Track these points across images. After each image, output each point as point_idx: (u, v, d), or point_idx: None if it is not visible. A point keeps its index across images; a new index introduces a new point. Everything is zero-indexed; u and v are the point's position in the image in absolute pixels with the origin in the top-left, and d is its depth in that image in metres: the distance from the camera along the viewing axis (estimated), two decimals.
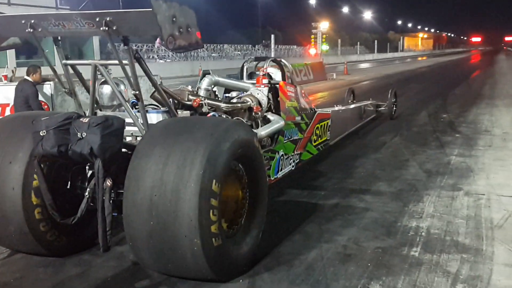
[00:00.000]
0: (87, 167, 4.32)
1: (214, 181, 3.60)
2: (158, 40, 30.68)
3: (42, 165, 4.02)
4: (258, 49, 53.58)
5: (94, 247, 4.63)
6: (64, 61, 4.24)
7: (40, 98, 7.94)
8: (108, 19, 3.58)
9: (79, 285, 4.01)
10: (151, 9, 3.38)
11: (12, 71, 10.19)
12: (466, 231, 4.93)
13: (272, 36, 40.53)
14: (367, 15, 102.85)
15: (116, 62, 3.96)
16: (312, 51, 34.20)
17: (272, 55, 27.20)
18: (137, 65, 4.02)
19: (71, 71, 4.36)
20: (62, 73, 4.35)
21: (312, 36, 33.83)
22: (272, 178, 5.95)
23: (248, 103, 5.69)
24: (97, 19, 3.61)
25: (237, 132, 3.96)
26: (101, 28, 3.60)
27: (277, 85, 6.45)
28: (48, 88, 8.31)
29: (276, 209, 5.67)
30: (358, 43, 73.90)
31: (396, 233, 4.92)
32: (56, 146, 3.80)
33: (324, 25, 33.61)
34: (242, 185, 4.31)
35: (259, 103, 5.89)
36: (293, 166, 6.62)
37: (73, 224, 4.25)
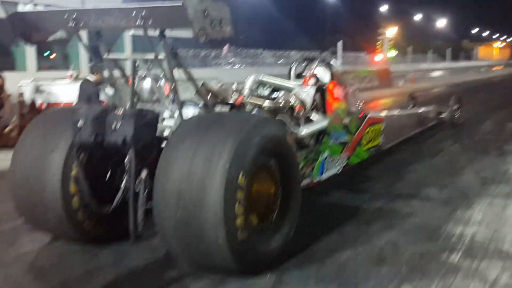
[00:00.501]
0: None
1: (241, 174, 3.61)
2: (225, 47, 31.16)
3: (81, 155, 4.18)
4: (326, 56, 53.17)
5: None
6: (105, 56, 4.38)
7: (102, 97, 8.26)
8: (143, 13, 3.68)
9: (110, 273, 4.11)
10: (181, 3, 3.44)
11: (76, 72, 10.65)
12: None
13: (339, 42, 40.06)
14: (441, 23, 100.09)
15: (154, 57, 4.06)
16: (378, 57, 33.57)
17: (340, 62, 26.92)
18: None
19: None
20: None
21: (379, 42, 33.24)
22: (315, 180, 5.88)
23: (291, 102, 5.65)
24: (133, 14, 3.71)
25: (268, 127, 3.96)
26: (137, 23, 3.70)
27: (324, 87, 6.39)
28: (109, 87, 8.63)
29: (316, 210, 5.61)
30: (431, 50, 71.84)
31: (438, 239, 4.74)
32: (93, 136, 3.94)
33: (391, 31, 32.93)
34: (274, 181, 4.29)
35: (302, 103, 5.84)
36: (339, 170, 6.49)
37: (111, 215, 4.39)
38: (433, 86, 27.40)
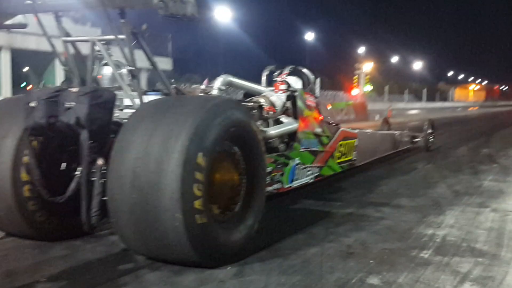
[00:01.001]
0: None
1: (200, 154, 3.42)
2: (205, 81, 31.22)
3: (34, 141, 3.96)
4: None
5: (88, 234, 4.49)
6: (64, 38, 4.22)
7: None
8: None
9: (61, 265, 3.84)
10: None
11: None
12: (486, 240, 4.53)
13: (318, 79, 40.60)
14: (417, 65, 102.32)
15: (114, 37, 3.90)
16: (354, 91, 33.95)
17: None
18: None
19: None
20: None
21: (355, 77, 33.66)
22: (286, 186, 5.71)
23: (260, 102, 5.52)
24: None
25: (231, 109, 3.79)
26: None
27: (295, 93, 6.29)
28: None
29: (284, 213, 5.44)
30: (407, 90, 73.10)
31: (408, 238, 4.56)
32: (45, 116, 3.73)
33: (367, 66, 33.39)
34: (238, 171, 4.10)
35: (273, 105, 5.72)
36: (311, 179, 6.35)
37: (65, 207, 4.14)
38: (409, 120, 27.65)
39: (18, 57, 23.45)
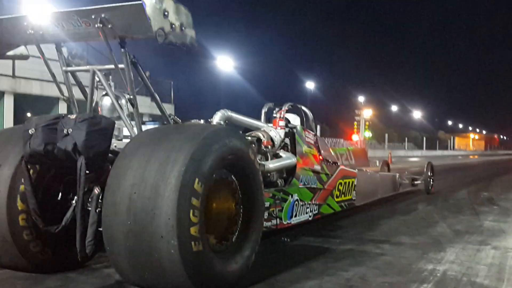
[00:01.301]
0: None
1: (197, 180, 3.40)
2: None
3: (31, 169, 3.95)
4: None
5: (84, 267, 4.43)
6: (64, 68, 4.27)
7: None
8: (103, 15, 3.62)
9: None
10: (140, 2, 3.39)
11: None
12: (486, 275, 4.45)
13: (318, 127, 40.92)
14: (416, 114, 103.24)
15: (114, 67, 3.96)
16: (355, 137, 34.17)
17: None
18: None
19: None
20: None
21: (355, 123, 33.95)
22: (285, 222, 5.66)
23: (259, 136, 5.54)
24: (93, 17, 3.65)
25: (228, 137, 3.78)
26: (96, 25, 3.63)
27: (294, 129, 6.32)
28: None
29: (283, 248, 5.36)
30: (406, 138, 73.49)
31: (408, 273, 4.49)
32: (43, 144, 3.71)
33: (367, 113, 33.71)
34: (235, 200, 4.07)
35: (271, 139, 5.73)
36: (310, 216, 6.30)
37: (60, 238, 4.10)
38: (410, 166, 27.65)
39: (21, 101, 23.66)
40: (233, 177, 4.01)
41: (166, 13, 3.52)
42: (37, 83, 23.04)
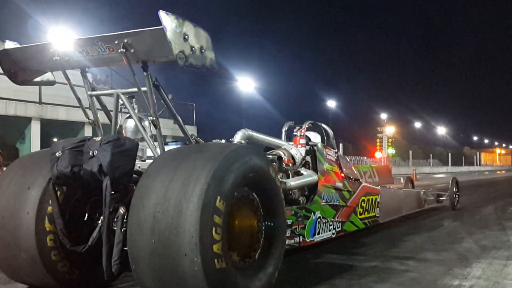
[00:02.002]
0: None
1: (218, 197, 3.46)
2: None
3: (58, 190, 4.06)
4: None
5: (110, 287, 4.50)
6: (89, 92, 4.40)
7: None
8: (125, 41, 3.74)
9: None
10: (162, 26, 3.50)
11: None
12: None
13: (341, 145, 40.83)
14: (441, 130, 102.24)
15: (137, 90, 4.07)
16: (378, 155, 33.94)
17: None
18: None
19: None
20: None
21: (378, 140, 33.76)
22: (308, 240, 5.68)
23: (280, 154, 5.59)
24: (116, 42, 3.78)
25: (248, 155, 3.84)
26: (119, 50, 3.76)
27: (315, 147, 6.36)
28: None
29: (307, 265, 5.36)
30: (431, 155, 72.68)
31: None
32: (70, 166, 3.83)
33: (389, 130, 33.50)
34: (257, 217, 4.11)
35: (292, 157, 5.78)
36: (333, 234, 6.31)
37: (87, 258, 4.18)
38: (435, 183, 27.35)
39: (48, 127, 24.15)
40: (255, 195, 4.06)
41: (186, 36, 3.62)
42: (63, 108, 23.54)
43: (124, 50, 3.76)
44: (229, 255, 3.65)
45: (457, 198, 11.74)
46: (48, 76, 4.58)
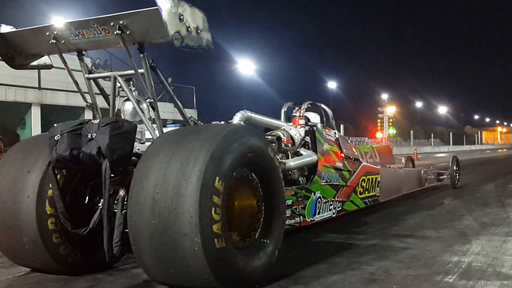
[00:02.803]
0: None
1: (217, 178, 3.47)
2: None
3: (58, 174, 4.08)
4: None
5: (112, 269, 4.54)
6: (87, 75, 4.40)
7: None
8: (121, 22, 3.72)
9: None
10: (156, 7, 3.48)
11: None
12: None
13: (342, 126, 40.78)
14: (442, 109, 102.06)
15: (133, 72, 4.06)
16: (379, 135, 33.91)
17: None
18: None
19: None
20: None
21: (379, 120, 33.71)
22: (308, 220, 5.72)
23: (279, 134, 5.60)
24: (112, 24, 3.76)
25: (247, 135, 3.85)
26: (115, 32, 3.74)
27: (314, 127, 6.36)
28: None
29: (307, 245, 5.41)
30: (432, 135, 72.61)
31: (433, 265, 4.48)
32: (69, 149, 3.84)
33: (390, 110, 33.42)
34: (256, 197, 4.13)
35: (291, 138, 5.79)
36: (333, 213, 6.35)
37: (89, 240, 4.21)
38: (437, 162, 27.37)
39: (48, 112, 24.13)
40: (254, 175, 4.08)
41: (181, 17, 3.61)
42: (63, 94, 23.49)
43: (119, 32, 3.74)
44: (229, 235, 3.68)
45: (457, 177, 11.77)
46: (45, 59, 4.57)
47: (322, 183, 6.07)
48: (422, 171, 10.69)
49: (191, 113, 32.14)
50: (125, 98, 4.50)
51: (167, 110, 22.67)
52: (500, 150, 65.60)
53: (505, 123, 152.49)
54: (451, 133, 79.03)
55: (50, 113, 24.29)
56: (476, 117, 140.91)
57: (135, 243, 3.59)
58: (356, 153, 7.69)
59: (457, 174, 11.78)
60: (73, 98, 22.82)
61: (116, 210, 3.89)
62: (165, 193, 3.45)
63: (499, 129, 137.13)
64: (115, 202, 3.93)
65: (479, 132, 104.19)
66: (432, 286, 3.85)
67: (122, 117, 4.60)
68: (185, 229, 3.37)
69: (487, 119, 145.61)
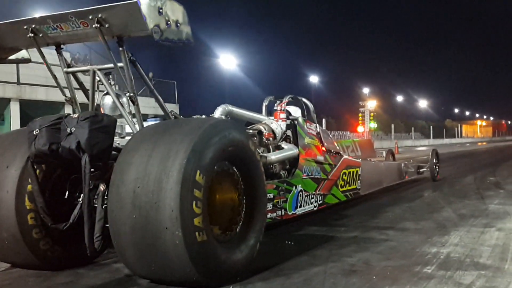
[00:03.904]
0: None
1: (198, 171, 3.48)
2: None
3: (37, 168, 4.05)
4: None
5: (93, 264, 4.53)
6: (65, 69, 4.36)
7: None
8: (99, 15, 3.70)
9: None
10: (135, 0, 3.47)
11: None
12: (489, 255, 4.50)
13: (324, 120, 40.94)
14: (422, 103, 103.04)
15: (113, 66, 4.04)
16: (360, 129, 34.18)
17: None
18: None
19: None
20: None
21: (360, 114, 33.98)
22: (290, 213, 5.74)
23: (260, 128, 5.61)
24: (90, 17, 3.74)
25: (228, 129, 3.86)
26: (94, 25, 3.72)
27: (296, 121, 6.39)
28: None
29: (288, 237, 5.44)
30: (413, 128, 73.27)
31: (412, 256, 4.55)
32: (48, 144, 3.81)
33: (371, 104, 33.69)
34: (238, 191, 4.15)
35: (273, 132, 5.81)
36: (315, 206, 6.38)
37: (69, 235, 4.19)
38: (417, 155, 27.63)
39: (27, 107, 23.85)
40: (235, 169, 4.09)
41: (161, 10, 3.60)
42: (42, 89, 23.23)
43: (98, 25, 3.72)
44: (210, 228, 3.69)
45: (437, 169, 11.91)
46: (23, 53, 4.52)
47: (303, 177, 6.10)
48: (403, 164, 10.79)
49: (173, 108, 31.95)
50: (105, 92, 4.47)
51: (148, 105, 22.54)
52: (479, 143, 66.39)
53: (485, 117, 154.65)
54: (431, 127, 79.77)
55: (29, 109, 24.00)
56: (456, 110, 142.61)
57: (116, 237, 3.59)
58: (338, 147, 7.74)
59: (436, 167, 11.92)
60: (52, 93, 22.56)
61: (96, 205, 3.87)
62: (145, 187, 3.45)
63: (479, 122, 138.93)
64: (95, 196, 3.91)
65: (459, 125, 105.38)
66: (411, 276, 3.90)
67: (102, 111, 4.57)
68: (166, 222, 3.38)
69: (467, 113, 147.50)
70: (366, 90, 62.56)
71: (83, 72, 4.43)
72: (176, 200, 3.36)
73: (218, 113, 5.62)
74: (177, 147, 3.51)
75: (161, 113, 4.84)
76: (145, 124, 4.28)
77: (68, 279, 4.12)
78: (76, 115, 3.77)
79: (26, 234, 4.07)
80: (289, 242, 5.27)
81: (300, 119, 6.47)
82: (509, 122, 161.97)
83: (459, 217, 6.61)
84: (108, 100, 4.48)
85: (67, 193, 4.31)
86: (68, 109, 21.77)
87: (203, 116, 5.49)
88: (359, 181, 7.87)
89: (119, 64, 4.02)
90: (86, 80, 4.57)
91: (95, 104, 4.43)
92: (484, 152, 33.06)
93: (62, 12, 3.84)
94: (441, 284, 3.69)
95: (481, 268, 4.08)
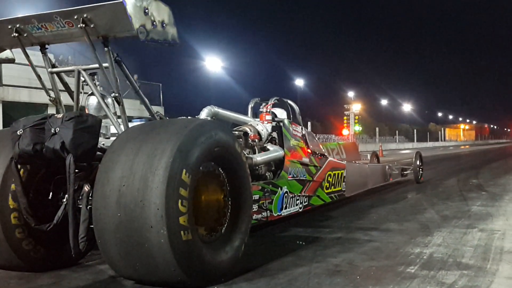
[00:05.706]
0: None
1: (184, 170, 3.48)
2: None
3: (21, 169, 4.02)
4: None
5: (77, 265, 4.50)
6: (50, 69, 4.33)
7: None
8: (85, 15, 3.69)
9: None
10: (120, 0, 3.46)
11: None
12: (472, 255, 4.56)
13: (309, 123, 41.04)
14: (406, 107, 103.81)
15: (98, 66, 4.03)
16: (345, 132, 34.40)
17: None
18: None
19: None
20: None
21: (345, 117, 34.18)
22: (275, 214, 5.76)
23: (246, 130, 5.62)
24: (75, 17, 3.72)
25: (214, 129, 3.87)
26: (79, 25, 3.70)
27: (281, 123, 6.41)
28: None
29: (273, 238, 5.45)
30: (397, 132, 73.81)
31: (396, 257, 4.59)
32: (32, 144, 3.78)
33: (356, 107, 33.92)
34: (223, 192, 4.15)
35: (258, 133, 5.82)
36: (300, 208, 6.41)
37: (53, 236, 4.16)
38: (401, 158, 27.84)
39: (10, 109, 23.60)
40: (221, 170, 4.10)
41: (146, 10, 3.60)
42: (25, 90, 23.00)
43: (83, 25, 3.71)
44: (196, 228, 3.69)
45: (421, 172, 12.01)
46: (7, 53, 4.49)
47: (289, 178, 6.12)
48: (387, 167, 10.89)
49: (158, 110, 31.85)
50: (90, 92, 4.45)
51: (133, 106, 22.43)
52: (462, 147, 67.04)
53: (468, 120, 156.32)
54: (415, 130, 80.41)
55: (12, 110, 23.76)
56: (440, 114, 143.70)
57: (100, 236, 3.57)
58: (323, 149, 7.78)
59: (420, 170, 12.01)
60: (36, 94, 22.35)
61: (81, 206, 3.85)
62: (131, 186, 3.44)
63: (462, 126, 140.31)
64: (80, 197, 3.89)
65: (442, 129, 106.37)
66: (395, 276, 3.94)
67: (87, 112, 4.55)
68: (151, 221, 3.37)
69: (450, 117, 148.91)
70: (351, 94, 62.93)
71: (68, 72, 4.40)
72: (161, 198, 3.36)
73: (204, 114, 5.62)
74: (164, 146, 3.51)
75: (147, 115, 4.83)
76: (130, 125, 4.26)
77: (51, 280, 4.09)
78: (60, 115, 3.75)
79: (9, 234, 4.03)
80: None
81: (286, 121, 6.50)
82: (492, 126, 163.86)
83: (442, 218, 6.68)
84: (93, 101, 4.46)
85: (51, 193, 4.27)
86: (51, 111, 21.57)
87: (189, 117, 5.49)
88: (344, 183, 7.92)
89: (104, 65, 4.00)
90: (71, 81, 4.54)
91: (80, 105, 4.40)
92: (467, 155, 33.43)
93: (47, 11, 3.82)
94: (424, 284, 3.73)
95: (464, 268, 4.13)
